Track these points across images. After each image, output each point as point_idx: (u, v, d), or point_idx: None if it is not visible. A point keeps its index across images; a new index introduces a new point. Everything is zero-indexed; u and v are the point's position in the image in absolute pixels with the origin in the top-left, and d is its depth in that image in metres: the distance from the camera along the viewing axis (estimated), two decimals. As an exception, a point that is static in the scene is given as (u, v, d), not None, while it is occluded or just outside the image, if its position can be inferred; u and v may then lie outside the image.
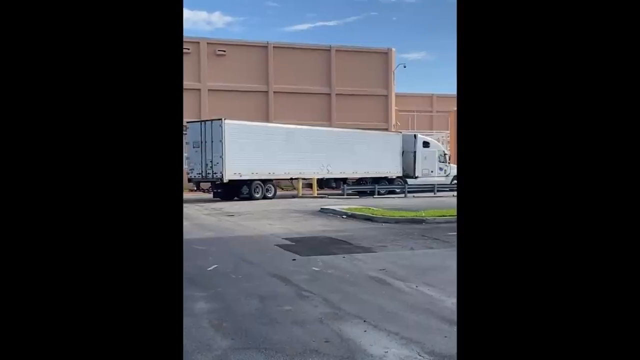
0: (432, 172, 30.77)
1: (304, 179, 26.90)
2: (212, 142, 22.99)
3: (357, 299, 5.99)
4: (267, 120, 32.72)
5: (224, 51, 34.42)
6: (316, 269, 7.75)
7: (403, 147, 30.12)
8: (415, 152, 30.34)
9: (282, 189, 27.89)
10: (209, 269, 7.72)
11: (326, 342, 4.46)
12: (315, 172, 26.73)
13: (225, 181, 22.84)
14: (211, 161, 23.01)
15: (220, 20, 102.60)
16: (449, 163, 31.52)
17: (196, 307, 5.58)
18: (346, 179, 28.29)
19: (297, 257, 8.75)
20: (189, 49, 33.17)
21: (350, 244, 10.26)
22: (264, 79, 35.53)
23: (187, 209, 18.46)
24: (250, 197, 23.48)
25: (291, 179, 26.87)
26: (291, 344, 4.41)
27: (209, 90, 33.84)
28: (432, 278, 7.03)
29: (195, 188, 25.46)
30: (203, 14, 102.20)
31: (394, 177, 29.84)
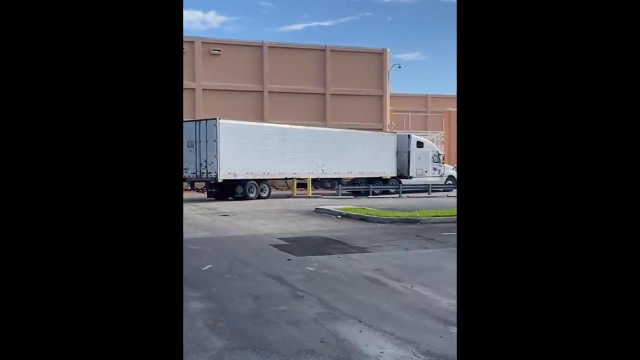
0: (426, 172, 30.76)
1: (298, 178, 26.86)
2: (206, 141, 22.91)
3: (353, 299, 5.99)
4: (262, 120, 32.65)
5: (219, 51, 34.36)
6: (311, 269, 7.74)
7: (397, 147, 30.11)
8: (409, 152, 30.31)
9: (277, 188, 27.83)
10: (204, 269, 7.69)
11: (321, 342, 4.46)
12: (310, 172, 26.67)
13: (219, 181, 22.75)
14: (205, 161, 22.92)
15: (215, 19, 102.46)
16: (442, 163, 31.55)
17: (191, 307, 5.56)
18: (340, 179, 28.27)
19: (292, 257, 8.74)
20: (183, 49, 33.05)
21: (345, 244, 10.26)
22: (258, 79, 35.49)
23: (182, 209, 18.38)
24: (245, 197, 23.38)
25: (286, 178, 26.81)
26: (287, 344, 4.40)
27: (203, 89, 33.77)
28: (427, 278, 7.04)
29: (189, 188, 25.30)
30: (198, 14, 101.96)
31: (389, 177, 29.83)
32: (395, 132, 32.94)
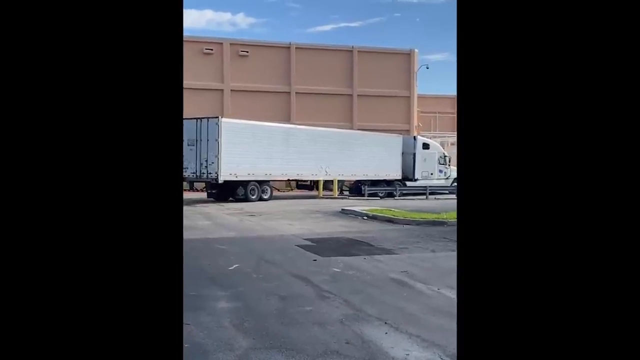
0: (431, 174, 29.93)
1: (301, 180, 26.33)
2: (207, 140, 21.89)
3: (378, 300, 5.97)
4: (288, 121, 32.68)
5: (247, 52, 34.57)
6: (337, 270, 7.74)
7: (402, 149, 29.38)
8: (414, 153, 29.50)
9: (278, 190, 27.30)
10: (230, 268, 7.77)
11: (347, 343, 4.46)
12: (314, 174, 25.85)
13: (220, 182, 21.87)
14: (206, 160, 21.93)
15: (243, 21, 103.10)
16: (449, 165, 30.62)
17: (217, 306, 5.62)
18: (344, 181, 27.81)
19: (317, 257, 8.75)
20: (212, 49, 33.43)
21: (371, 245, 10.23)
22: (286, 80, 35.61)
23: (209, 209, 18.63)
24: (246, 199, 22.51)
25: (288, 180, 26.23)
26: (312, 344, 4.41)
27: (231, 90, 34.03)
28: (453, 280, 6.95)
29: (188, 188, 23.98)
30: (227, 15, 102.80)
31: (393, 179, 29.08)
32: (401, 135, 31.96)
